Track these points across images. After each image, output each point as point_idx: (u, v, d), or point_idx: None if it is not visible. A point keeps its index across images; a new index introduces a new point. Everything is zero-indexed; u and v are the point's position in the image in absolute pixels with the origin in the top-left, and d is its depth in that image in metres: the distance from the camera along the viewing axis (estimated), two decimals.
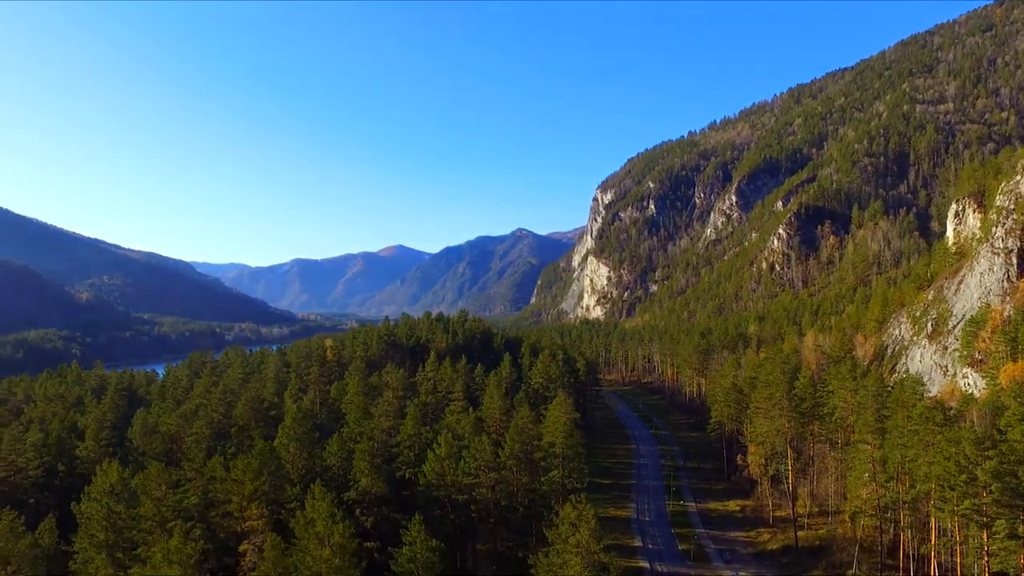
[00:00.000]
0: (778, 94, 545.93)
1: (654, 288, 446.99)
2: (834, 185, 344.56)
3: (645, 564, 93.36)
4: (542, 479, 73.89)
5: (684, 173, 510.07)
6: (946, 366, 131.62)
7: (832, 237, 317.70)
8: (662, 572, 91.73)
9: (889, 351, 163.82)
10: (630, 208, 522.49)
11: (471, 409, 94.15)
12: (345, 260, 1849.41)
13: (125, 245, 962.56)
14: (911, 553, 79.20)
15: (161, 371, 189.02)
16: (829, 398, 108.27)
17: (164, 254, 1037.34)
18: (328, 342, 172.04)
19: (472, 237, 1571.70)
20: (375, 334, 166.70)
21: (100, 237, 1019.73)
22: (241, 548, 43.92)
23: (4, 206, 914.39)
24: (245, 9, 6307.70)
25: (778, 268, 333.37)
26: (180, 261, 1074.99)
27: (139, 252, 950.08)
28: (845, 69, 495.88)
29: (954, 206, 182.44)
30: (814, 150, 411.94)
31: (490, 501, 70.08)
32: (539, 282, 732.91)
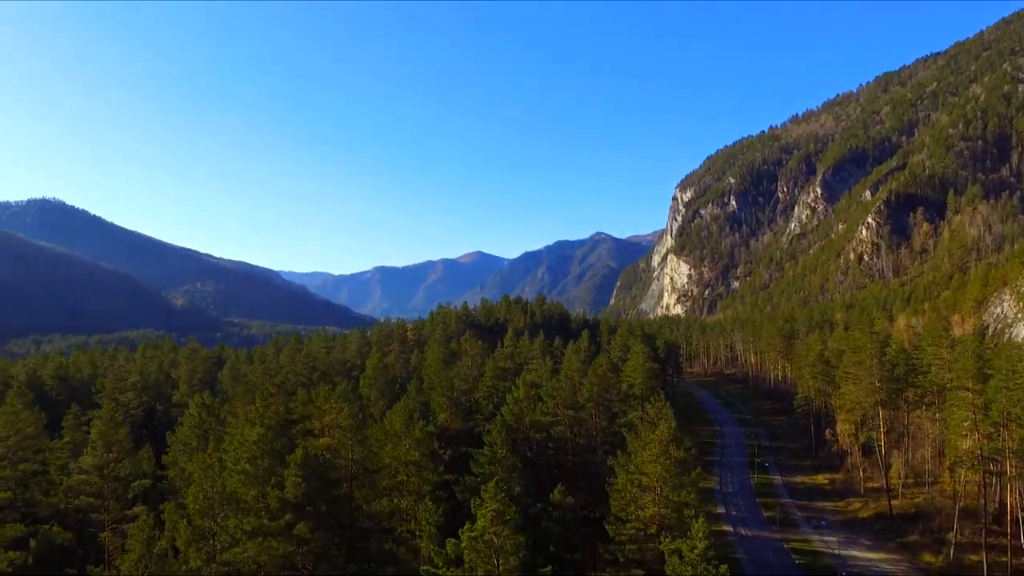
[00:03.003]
0: (863, 83, 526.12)
1: (736, 284, 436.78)
2: (927, 171, 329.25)
3: (729, 528, 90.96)
4: (621, 421, 73.06)
5: (766, 168, 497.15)
6: None
7: (926, 224, 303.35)
8: (746, 535, 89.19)
9: (990, 330, 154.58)
10: (710, 205, 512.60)
11: (549, 361, 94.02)
12: (425, 267, 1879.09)
13: (217, 254, 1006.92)
14: (1019, 517, 74.36)
15: None
16: (923, 356, 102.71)
17: (253, 263, 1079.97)
18: (409, 325, 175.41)
19: (551, 242, 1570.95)
20: (454, 315, 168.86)
21: (194, 247, 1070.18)
22: (321, 441, 45.13)
23: (109, 219, 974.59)
24: (338, 11, 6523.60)
25: (867, 258, 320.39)
26: (268, 270, 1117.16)
27: (230, 261, 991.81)
28: (937, 53, 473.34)
29: None
30: (903, 138, 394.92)
31: (568, 440, 69.78)
32: (618, 283, 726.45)
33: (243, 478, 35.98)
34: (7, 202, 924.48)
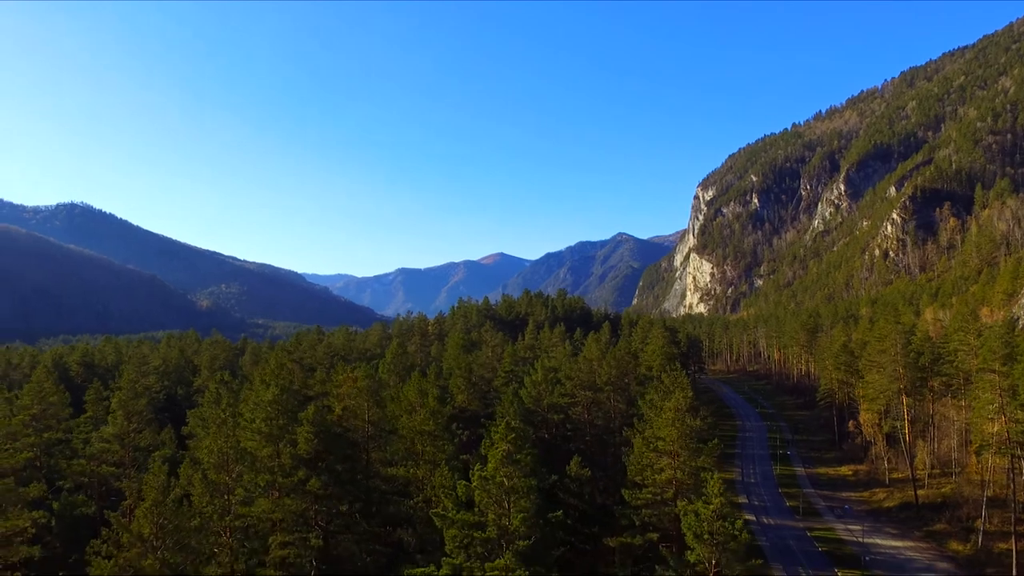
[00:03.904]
0: (888, 79, 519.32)
1: (759, 283, 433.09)
2: (953, 166, 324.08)
3: (751, 517, 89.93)
4: (639, 403, 72.51)
5: (788, 165, 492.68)
6: None
7: (952, 219, 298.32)
8: (769, 524, 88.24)
9: (1020, 322, 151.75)
10: (733, 203, 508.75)
11: (568, 346, 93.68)
12: (447, 268, 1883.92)
13: (241, 257, 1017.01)
14: None
15: None
16: (950, 343, 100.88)
17: (277, 265, 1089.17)
18: (430, 320, 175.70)
19: (572, 243, 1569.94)
20: (474, 309, 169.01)
21: (219, 250, 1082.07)
22: (338, 405, 45.30)
23: (136, 223, 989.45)
24: (362, 15, 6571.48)
25: (892, 255, 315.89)
26: (291, 272, 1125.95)
27: (253, 263, 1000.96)
28: (964, 47, 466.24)
29: None
30: (930, 133, 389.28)
31: (586, 421, 69.49)
32: (640, 283, 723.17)
33: (258, 437, 36.22)
34: (37, 207, 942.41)
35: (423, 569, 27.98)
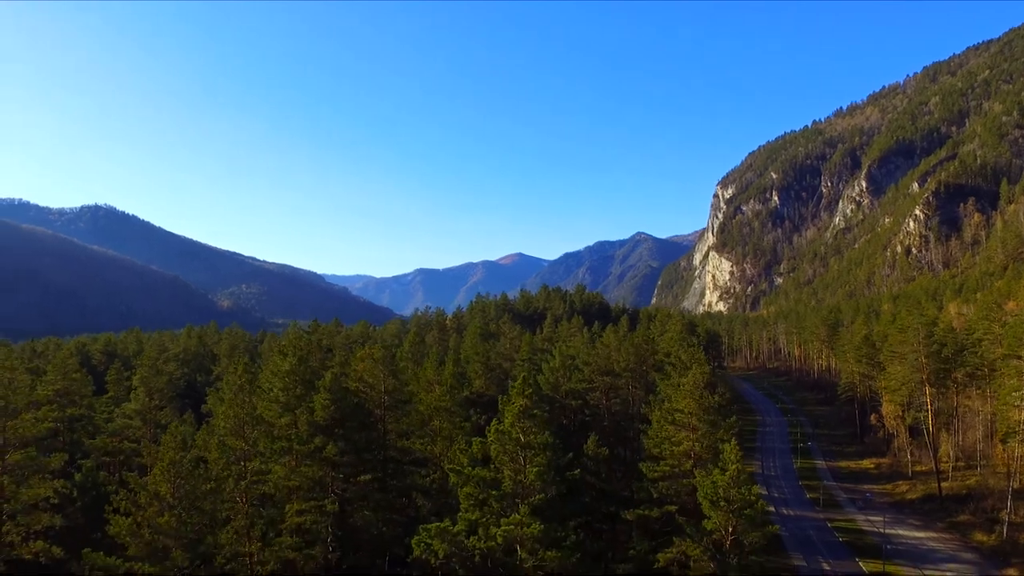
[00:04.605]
0: (910, 75, 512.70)
1: (779, 281, 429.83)
2: (978, 161, 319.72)
3: (770, 508, 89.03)
4: (658, 383, 72.12)
5: (809, 162, 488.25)
6: None
7: (977, 215, 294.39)
8: (789, 515, 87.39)
9: None
10: (752, 201, 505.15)
11: (586, 333, 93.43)
12: (466, 269, 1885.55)
13: (261, 257, 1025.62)
14: None
15: None
16: (974, 332, 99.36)
17: (296, 265, 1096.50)
18: (448, 315, 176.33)
19: (591, 243, 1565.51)
20: (493, 304, 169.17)
21: (239, 251, 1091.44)
22: (355, 377, 45.59)
23: (158, 224, 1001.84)
24: (377, 14, 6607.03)
25: (915, 251, 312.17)
26: (311, 272, 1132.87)
27: (273, 264, 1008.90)
28: (990, 41, 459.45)
29: None
30: (953, 128, 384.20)
31: (604, 407, 69.22)
32: (659, 282, 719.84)
33: (275, 406, 36.45)
34: (62, 208, 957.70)
35: (439, 524, 27.99)
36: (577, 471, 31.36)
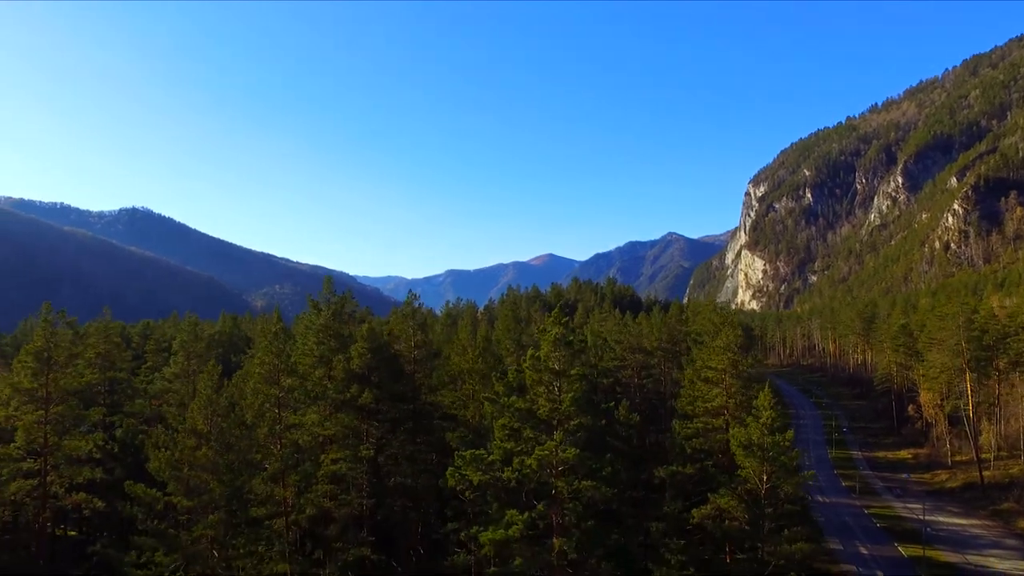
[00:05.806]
0: (949, 68, 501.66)
1: (813, 279, 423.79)
2: (1020, 154, 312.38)
3: (806, 496, 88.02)
4: (692, 353, 71.43)
5: (843, 159, 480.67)
6: None
7: (1019, 208, 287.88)
8: (824, 502, 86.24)
9: None
10: (785, 199, 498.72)
11: (618, 314, 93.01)
12: (496, 269, 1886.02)
13: (294, 259, 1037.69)
14: None
15: None
16: (1018, 316, 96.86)
17: (329, 267, 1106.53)
18: (479, 309, 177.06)
19: (622, 243, 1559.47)
20: (524, 297, 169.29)
21: (272, 252, 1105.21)
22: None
23: (194, 226, 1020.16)
24: (408, 15, 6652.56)
25: (954, 247, 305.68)
26: (343, 273, 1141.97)
27: (306, 265, 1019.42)
28: None
29: None
30: (994, 121, 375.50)
31: (636, 385, 68.83)
32: (691, 282, 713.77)
33: (308, 359, 36.88)
34: (101, 211, 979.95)
35: (473, 451, 28.13)
36: (611, 403, 31.26)
